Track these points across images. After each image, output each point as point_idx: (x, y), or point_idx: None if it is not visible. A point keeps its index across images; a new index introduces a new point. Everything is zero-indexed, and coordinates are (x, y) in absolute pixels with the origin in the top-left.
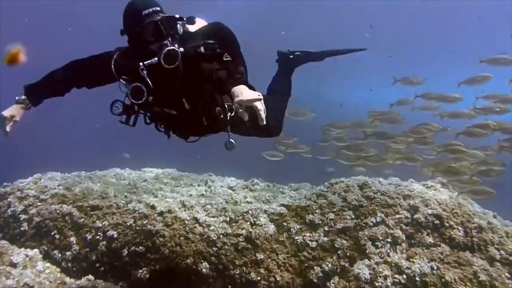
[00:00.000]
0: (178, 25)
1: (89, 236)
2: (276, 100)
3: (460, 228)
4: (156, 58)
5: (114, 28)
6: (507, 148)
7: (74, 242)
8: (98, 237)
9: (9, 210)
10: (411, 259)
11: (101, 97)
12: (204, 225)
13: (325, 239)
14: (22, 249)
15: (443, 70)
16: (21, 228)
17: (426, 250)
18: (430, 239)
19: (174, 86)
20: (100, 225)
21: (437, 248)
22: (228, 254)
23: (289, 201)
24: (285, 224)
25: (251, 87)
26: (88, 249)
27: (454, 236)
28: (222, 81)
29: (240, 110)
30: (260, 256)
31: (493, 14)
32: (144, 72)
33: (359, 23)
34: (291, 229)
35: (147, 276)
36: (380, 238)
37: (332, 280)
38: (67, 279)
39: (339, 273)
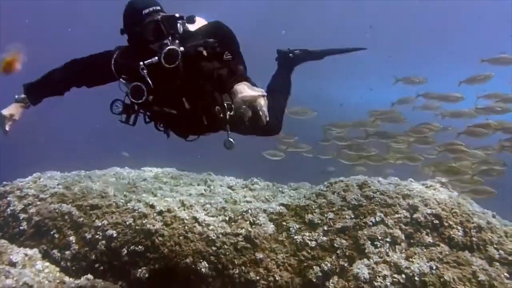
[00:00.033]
0: (178, 24)
1: (88, 235)
2: (276, 99)
3: (459, 227)
4: (156, 58)
5: (114, 28)
6: (508, 148)
7: (74, 241)
8: (97, 236)
9: (8, 209)
10: (410, 259)
11: (101, 97)
12: (204, 224)
13: (324, 238)
14: (22, 248)
15: (443, 70)
16: (21, 227)
17: (425, 250)
18: (429, 239)
19: (174, 85)
20: (100, 224)
21: (436, 247)
22: (227, 253)
23: (289, 200)
24: (284, 223)
25: (253, 85)
26: (87, 249)
27: (453, 235)
28: (223, 79)
29: (243, 107)
30: (259, 255)
31: (493, 14)
32: (145, 71)
33: (359, 23)
34: (291, 228)
35: (146, 275)
36: (379, 237)
37: (331, 280)
38: (66, 279)
39: (338, 272)
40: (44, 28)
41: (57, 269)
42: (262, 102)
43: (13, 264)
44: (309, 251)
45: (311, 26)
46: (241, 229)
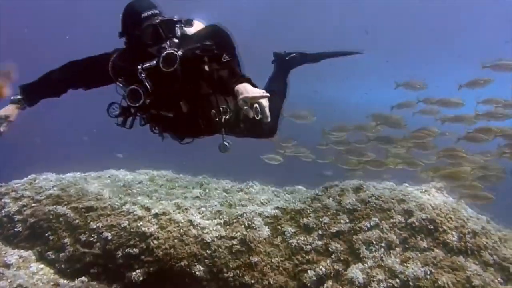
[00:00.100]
0: (176, 28)
1: (83, 238)
2: (272, 101)
3: (454, 232)
4: (154, 61)
5: (114, 29)
6: (508, 154)
7: (68, 243)
8: (92, 238)
9: (3, 211)
10: (405, 264)
11: (98, 98)
12: (199, 227)
13: (320, 242)
14: (16, 250)
15: (443, 70)
16: (15, 229)
17: (420, 255)
18: (424, 244)
19: (172, 88)
20: (95, 226)
21: (431, 252)
22: (222, 257)
23: (284, 204)
24: (279, 227)
25: (254, 85)
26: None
27: (448, 240)
28: (224, 80)
29: (245, 107)
30: (254, 259)
31: (493, 15)
32: (143, 75)
33: (359, 23)
34: (286, 232)
35: (141, 278)
36: (374, 242)
37: (325, 284)
38: (61, 281)
39: (333, 277)
40: (44, 28)
41: (52, 271)
42: (265, 103)
43: (7, 266)
44: (304, 255)
45: (311, 26)
46: (236, 232)
